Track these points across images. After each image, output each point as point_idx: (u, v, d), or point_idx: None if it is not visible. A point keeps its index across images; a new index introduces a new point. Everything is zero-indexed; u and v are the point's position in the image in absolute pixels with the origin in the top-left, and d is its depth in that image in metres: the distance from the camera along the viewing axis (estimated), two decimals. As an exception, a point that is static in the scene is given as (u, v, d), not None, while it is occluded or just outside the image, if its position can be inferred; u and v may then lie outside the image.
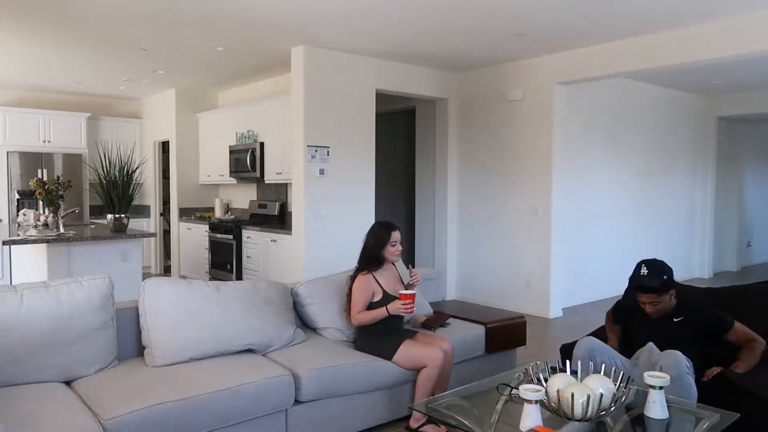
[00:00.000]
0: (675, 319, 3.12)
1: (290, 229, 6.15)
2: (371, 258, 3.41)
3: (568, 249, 6.53)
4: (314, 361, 3.06)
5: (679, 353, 2.79)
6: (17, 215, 6.35)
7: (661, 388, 2.35)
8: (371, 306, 3.35)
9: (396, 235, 3.41)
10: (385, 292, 3.37)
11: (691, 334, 3.03)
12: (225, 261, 7.36)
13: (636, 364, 2.95)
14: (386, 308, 3.27)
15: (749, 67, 6.63)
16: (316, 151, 5.85)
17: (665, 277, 3.07)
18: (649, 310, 3.13)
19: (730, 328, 3.01)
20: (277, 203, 7.43)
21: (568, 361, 2.53)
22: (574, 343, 3.43)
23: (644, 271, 3.11)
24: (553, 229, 6.22)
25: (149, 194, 9.16)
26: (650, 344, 2.97)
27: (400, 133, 8.03)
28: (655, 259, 3.16)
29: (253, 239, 6.97)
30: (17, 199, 7.85)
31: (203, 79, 7.66)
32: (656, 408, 2.34)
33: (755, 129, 9.90)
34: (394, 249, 3.41)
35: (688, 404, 2.56)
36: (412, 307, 3.25)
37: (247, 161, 7.28)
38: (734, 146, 9.40)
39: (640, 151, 7.79)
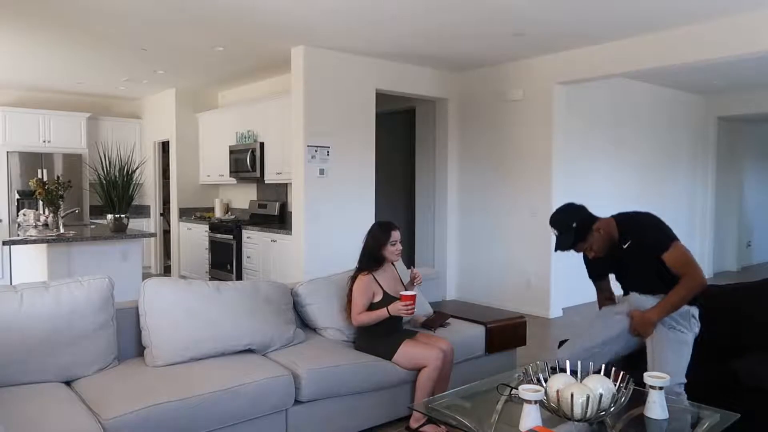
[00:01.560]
0: (624, 246, 2.93)
1: (290, 229, 6.15)
2: (371, 258, 3.40)
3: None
4: (314, 361, 3.06)
5: (666, 365, 2.72)
6: (17, 215, 6.35)
7: (661, 388, 2.34)
8: (372, 307, 3.35)
9: (396, 235, 3.41)
10: (385, 293, 3.37)
11: (641, 256, 2.88)
12: (225, 261, 7.36)
13: (621, 320, 2.94)
14: (387, 309, 3.27)
15: (749, 67, 6.63)
16: (316, 151, 5.85)
17: (574, 224, 2.89)
18: (592, 256, 2.98)
19: (665, 250, 2.79)
20: (277, 203, 7.43)
21: (567, 362, 2.53)
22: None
23: (554, 233, 2.96)
24: (553, 229, 6.21)
25: (149, 194, 9.16)
26: (633, 294, 2.94)
27: (400, 133, 8.02)
28: (557, 210, 3.00)
29: (253, 239, 6.97)
30: (17, 199, 7.85)
31: (203, 79, 7.66)
32: (656, 408, 2.34)
33: (755, 129, 9.90)
34: (393, 248, 3.41)
35: (688, 404, 2.56)
36: (413, 308, 3.24)
37: (247, 161, 7.28)
38: (734, 146, 9.40)
39: (640, 151, 7.78)
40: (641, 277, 2.95)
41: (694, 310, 2.89)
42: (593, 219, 2.94)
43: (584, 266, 3.21)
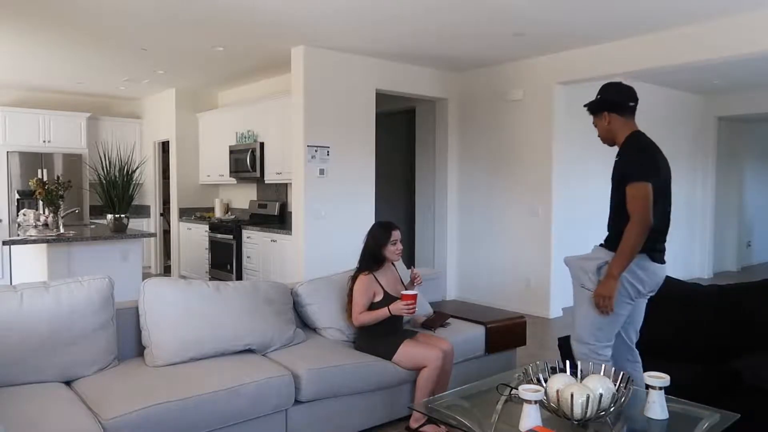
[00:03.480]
0: (617, 158, 2.94)
1: (290, 229, 6.15)
2: (372, 258, 3.40)
3: (568, 249, 6.52)
4: (314, 361, 3.06)
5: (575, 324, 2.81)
6: (17, 215, 6.35)
7: (661, 388, 2.35)
8: (372, 306, 3.35)
9: (396, 234, 3.42)
10: (386, 293, 3.37)
11: (618, 176, 2.87)
12: (225, 261, 7.36)
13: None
14: (388, 309, 3.27)
15: (749, 67, 6.63)
16: (316, 151, 5.85)
17: (599, 96, 2.98)
18: (599, 135, 3.06)
19: (629, 181, 2.76)
20: (277, 203, 7.43)
21: (568, 361, 2.53)
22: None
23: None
24: (553, 229, 6.22)
25: (149, 194, 9.16)
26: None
27: (400, 133, 8.03)
28: (618, 83, 3.04)
29: (253, 239, 6.97)
30: (17, 199, 7.85)
31: (203, 79, 7.66)
32: (656, 408, 2.34)
33: (755, 129, 9.90)
34: (394, 248, 3.41)
35: (688, 404, 2.56)
36: (414, 308, 3.24)
37: (247, 161, 7.28)
38: (734, 146, 9.39)
39: (640, 151, 7.78)
40: (612, 201, 2.93)
41: (637, 261, 2.75)
42: (617, 108, 2.94)
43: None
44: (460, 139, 7.09)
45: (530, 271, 6.40)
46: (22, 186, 7.84)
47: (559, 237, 6.29)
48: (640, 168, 2.81)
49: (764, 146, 10.33)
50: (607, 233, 2.94)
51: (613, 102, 2.94)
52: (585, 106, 3.05)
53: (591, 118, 3.18)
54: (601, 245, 2.93)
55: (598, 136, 3.09)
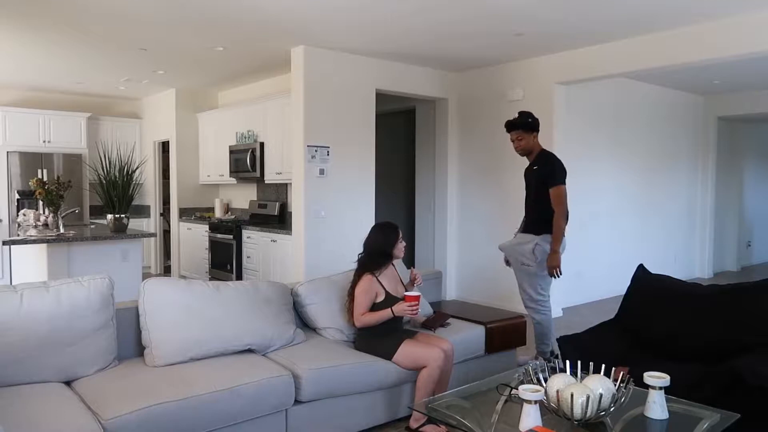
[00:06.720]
0: (534, 167, 4.16)
1: (290, 229, 6.15)
2: (382, 256, 3.41)
3: (568, 249, 6.51)
4: (314, 361, 3.06)
5: (524, 290, 4.23)
6: (17, 215, 6.35)
7: (661, 388, 2.35)
8: (374, 307, 3.35)
9: (400, 232, 3.49)
10: (387, 293, 3.37)
11: (539, 180, 4.05)
12: (225, 261, 7.36)
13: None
14: (391, 310, 3.27)
15: (749, 67, 6.63)
16: (316, 151, 5.85)
17: (530, 120, 4.13)
18: (516, 147, 4.20)
19: (553, 185, 3.96)
20: (277, 203, 7.43)
21: (568, 361, 2.53)
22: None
23: (516, 116, 4.18)
24: (553, 229, 6.21)
25: (149, 194, 9.16)
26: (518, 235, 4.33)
27: (400, 133, 8.03)
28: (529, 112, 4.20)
29: (253, 239, 6.97)
30: (17, 199, 7.85)
31: (203, 79, 7.66)
32: (656, 408, 2.34)
33: (755, 129, 9.90)
34: (402, 245, 3.47)
35: (688, 404, 2.56)
36: (418, 309, 3.25)
37: (247, 161, 7.28)
38: (734, 146, 9.39)
39: (640, 151, 7.78)
40: (531, 198, 4.23)
41: (538, 245, 4.09)
42: (538, 129, 4.21)
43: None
44: (460, 139, 7.09)
45: (530, 271, 6.38)
46: (22, 186, 7.84)
47: (559, 237, 6.27)
48: (561, 175, 4.05)
49: (764, 146, 10.33)
50: (534, 223, 4.22)
51: (538, 125, 4.18)
52: (517, 125, 4.17)
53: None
54: (523, 232, 4.33)
55: (518, 148, 4.25)
